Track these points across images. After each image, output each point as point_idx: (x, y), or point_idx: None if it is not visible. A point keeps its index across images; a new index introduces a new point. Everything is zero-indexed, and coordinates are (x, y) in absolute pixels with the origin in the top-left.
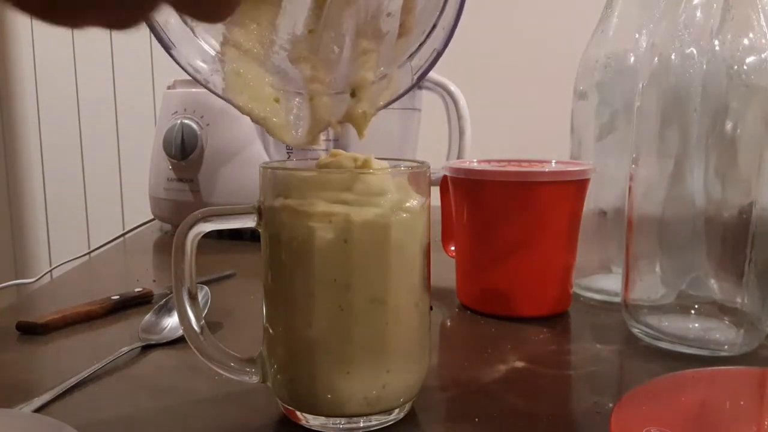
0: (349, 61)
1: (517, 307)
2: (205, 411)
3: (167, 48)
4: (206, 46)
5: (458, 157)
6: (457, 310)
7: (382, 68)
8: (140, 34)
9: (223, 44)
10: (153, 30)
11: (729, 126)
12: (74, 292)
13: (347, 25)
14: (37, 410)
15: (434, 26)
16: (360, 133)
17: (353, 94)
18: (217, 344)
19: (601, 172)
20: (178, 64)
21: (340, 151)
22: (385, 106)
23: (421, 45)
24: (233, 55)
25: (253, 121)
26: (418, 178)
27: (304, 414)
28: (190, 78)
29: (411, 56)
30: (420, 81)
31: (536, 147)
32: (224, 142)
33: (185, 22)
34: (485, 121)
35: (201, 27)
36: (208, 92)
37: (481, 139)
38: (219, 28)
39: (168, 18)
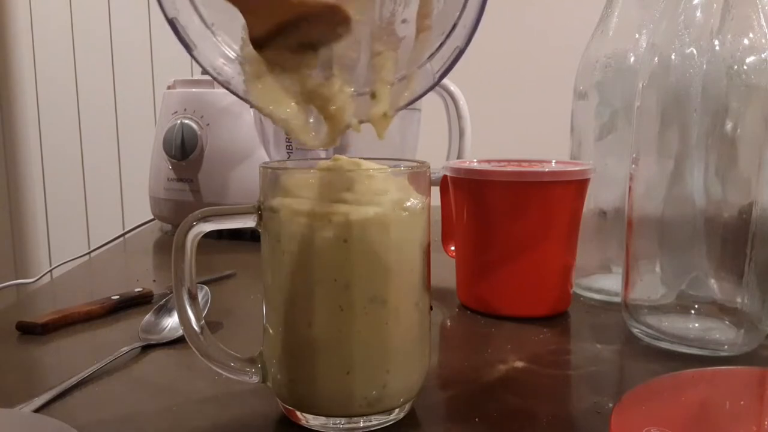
0: (367, 64)
1: (517, 307)
2: (205, 411)
3: (188, 48)
4: (226, 48)
5: (458, 157)
6: (457, 310)
7: (401, 70)
8: (140, 33)
9: (242, 47)
10: (175, 30)
11: (729, 126)
12: (74, 292)
13: (361, 32)
14: (37, 410)
15: (454, 26)
16: (380, 135)
17: (373, 96)
18: (217, 344)
19: (601, 172)
20: (200, 64)
21: (342, 156)
22: (405, 106)
23: (441, 45)
24: (253, 57)
25: (273, 122)
26: (418, 178)
27: (304, 414)
28: (190, 79)
29: (430, 57)
30: (442, 80)
31: (536, 147)
32: (224, 142)
33: (206, 23)
34: (485, 121)
35: (221, 28)
36: (208, 92)
37: (481, 139)
38: (238, 30)
39: (191, 18)
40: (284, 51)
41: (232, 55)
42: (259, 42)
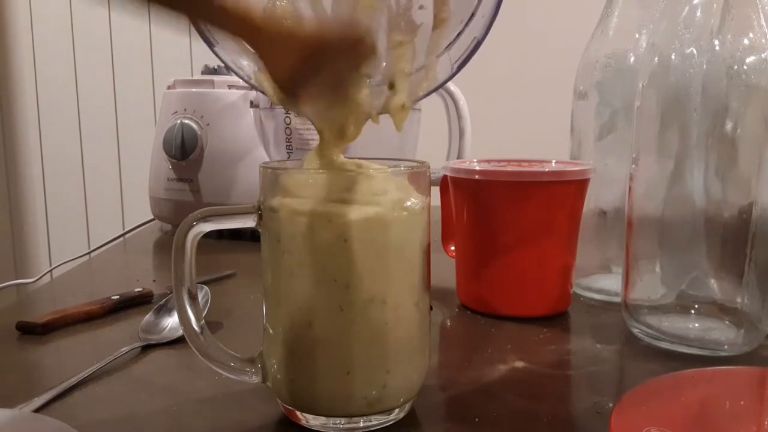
0: (385, 54)
1: (517, 307)
2: (205, 411)
3: (210, 45)
4: (247, 45)
5: (458, 157)
6: (457, 310)
7: (419, 60)
8: (140, 33)
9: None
10: (197, 28)
11: (729, 126)
12: (74, 292)
13: (379, 20)
14: (37, 410)
15: (473, 15)
16: (398, 126)
17: (391, 86)
18: (217, 344)
19: (601, 172)
20: (222, 61)
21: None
22: (424, 96)
23: (459, 34)
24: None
25: (298, 115)
26: (418, 178)
27: (304, 414)
28: (190, 79)
29: (449, 46)
30: (460, 70)
31: (536, 147)
32: (224, 142)
33: None
34: (485, 121)
35: None
36: (208, 92)
37: (481, 139)
38: None
39: None
40: (316, 100)
41: (252, 51)
42: (288, 88)
